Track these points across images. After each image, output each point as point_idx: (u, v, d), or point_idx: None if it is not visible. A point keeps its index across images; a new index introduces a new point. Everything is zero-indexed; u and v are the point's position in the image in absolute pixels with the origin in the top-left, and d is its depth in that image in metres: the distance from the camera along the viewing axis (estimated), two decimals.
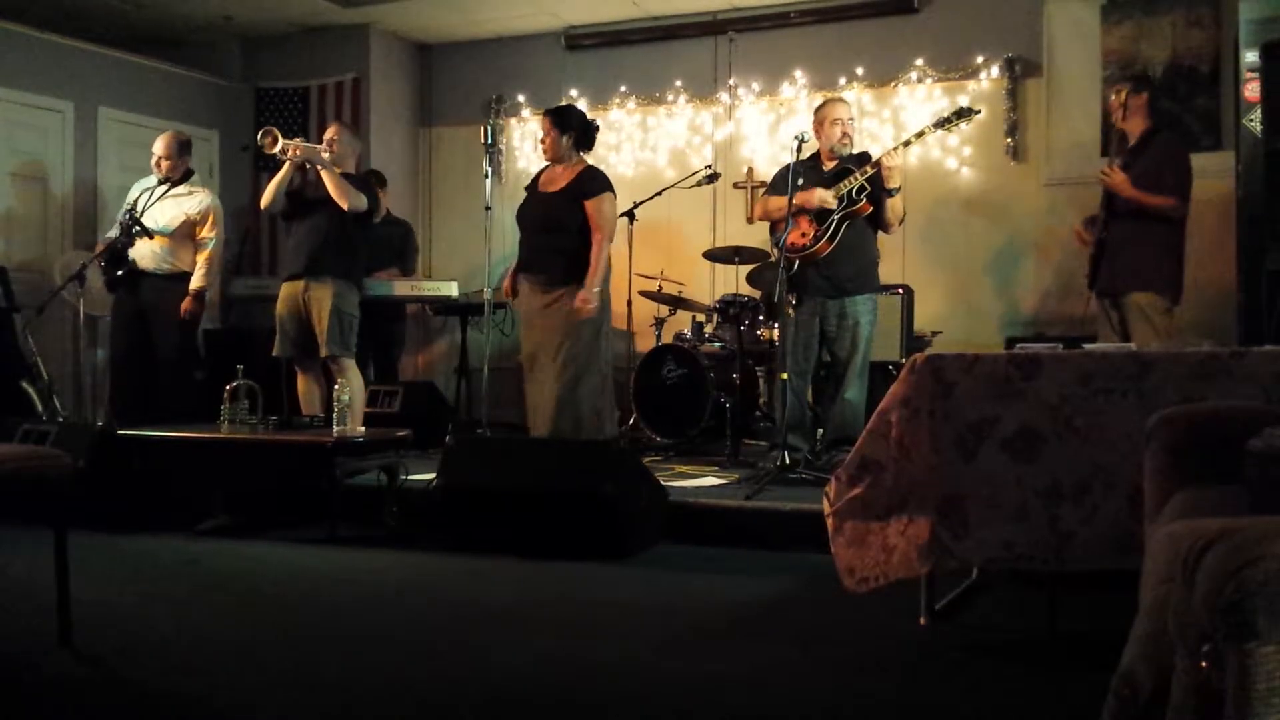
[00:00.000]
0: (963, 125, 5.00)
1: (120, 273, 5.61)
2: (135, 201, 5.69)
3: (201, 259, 5.70)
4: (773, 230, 5.11)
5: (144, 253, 5.64)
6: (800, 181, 4.82)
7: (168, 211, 5.66)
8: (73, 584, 2.76)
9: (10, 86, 6.41)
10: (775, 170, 5.28)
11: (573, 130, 4.96)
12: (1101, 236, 4.87)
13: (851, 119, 5.05)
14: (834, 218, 4.82)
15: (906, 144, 4.95)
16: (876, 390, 4.80)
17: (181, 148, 5.79)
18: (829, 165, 4.98)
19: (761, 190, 5.96)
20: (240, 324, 7.33)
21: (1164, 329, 4.64)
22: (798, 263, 4.84)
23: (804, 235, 4.87)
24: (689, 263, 6.53)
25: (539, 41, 7.55)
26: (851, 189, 4.81)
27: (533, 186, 5.07)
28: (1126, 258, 4.77)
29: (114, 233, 5.80)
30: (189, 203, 5.73)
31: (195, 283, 5.68)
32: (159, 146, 5.77)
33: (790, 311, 4.84)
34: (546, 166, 5.08)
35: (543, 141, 5.01)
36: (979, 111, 4.97)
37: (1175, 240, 4.80)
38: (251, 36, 7.74)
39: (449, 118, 7.87)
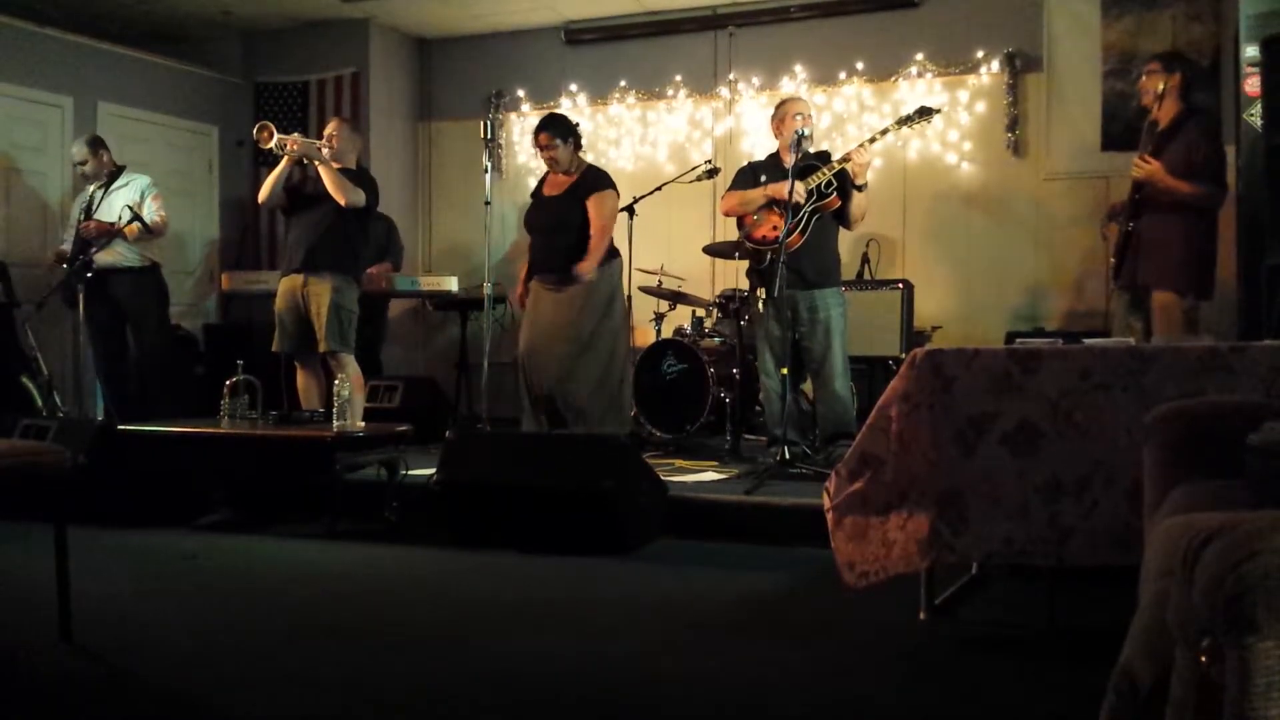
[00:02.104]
0: (924, 124, 5.04)
1: (90, 275, 5.68)
2: (93, 206, 5.86)
3: (157, 222, 5.90)
4: (740, 225, 5.15)
5: (111, 251, 5.75)
6: (763, 179, 4.98)
7: (116, 207, 5.82)
8: (73, 579, 2.76)
9: (10, 81, 6.40)
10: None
11: (573, 137, 5.12)
12: (1128, 228, 4.70)
13: (811, 116, 5.09)
14: (805, 210, 4.84)
15: (872, 140, 4.94)
16: (877, 386, 4.81)
17: (94, 145, 5.97)
18: (789, 162, 4.98)
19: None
20: (239, 319, 7.33)
21: (1184, 328, 4.52)
22: (769, 256, 4.89)
23: (775, 229, 4.90)
24: (689, 258, 6.52)
25: (538, 36, 7.53)
26: (820, 183, 4.84)
27: (538, 193, 5.20)
28: (1153, 253, 4.62)
29: (69, 246, 5.93)
30: (130, 192, 5.93)
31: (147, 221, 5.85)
32: (75, 155, 5.99)
33: (760, 306, 4.89)
34: (549, 173, 5.20)
35: (548, 157, 5.10)
36: (940, 110, 5.06)
37: (1205, 233, 4.63)
38: (251, 31, 7.73)
39: (448, 113, 7.86)
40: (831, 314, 4.93)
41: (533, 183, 5.98)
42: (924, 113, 4.88)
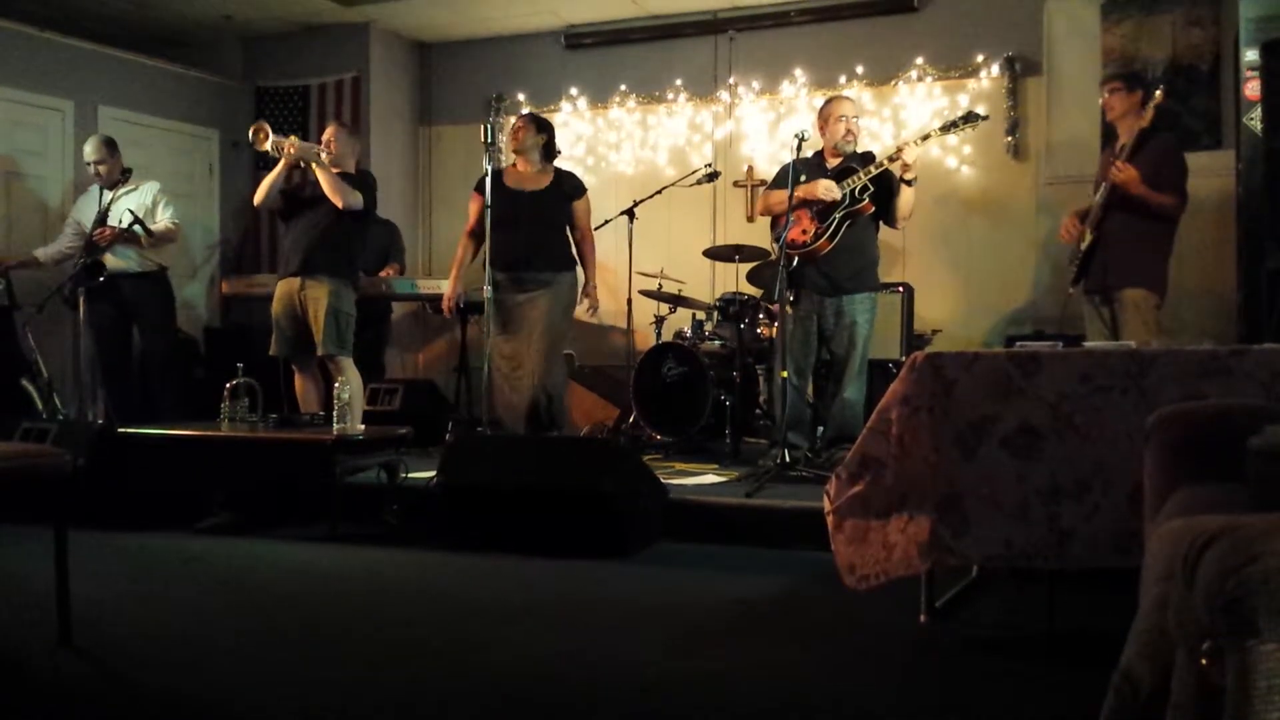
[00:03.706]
0: (969, 129, 5.01)
1: (101, 279, 5.67)
2: (106, 211, 5.84)
3: (171, 229, 5.95)
4: (774, 226, 5.11)
5: (118, 255, 5.75)
6: (803, 178, 4.84)
7: (122, 212, 5.78)
8: (72, 582, 2.76)
9: (10, 85, 6.41)
10: (776, 169, 5.29)
11: (546, 133, 5.28)
12: (1095, 232, 4.79)
13: (856, 117, 5.06)
14: (835, 216, 4.82)
15: (925, 138, 4.94)
16: (877, 389, 4.81)
17: (111, 146, 5.97)
18: (833, 163, 4.98)
19: (762, 188, 5.96)
20: (239, 322, 7.33)
21: (1155, 325, 4.65)
22: (797, 260, 4.84)
23: (805, 232, 4.87)
24: (689, 261, 6.53)
25: (539, 40, 7.54)
26: (855, 188, 4.81)
27: (498, 185, 5.10)
28: (1122, 254, 4.72)
29: (62, 245, 5.96)
30: (139, 197, 5.95)
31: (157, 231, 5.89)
32: (91, 153, 5.95)
33: (789, 309, 4.85)
34: (504, 168, 5.33)
35: (514, 135, 5.29)
36: (986, 116, 4.98)
37: (1168, 238, 4.79)
38: (252, 35, 7.73)
39: (449, 116, 7.86)
40: (859, 320, 4.90)
41: None
42: (970, 118, 4.85)
